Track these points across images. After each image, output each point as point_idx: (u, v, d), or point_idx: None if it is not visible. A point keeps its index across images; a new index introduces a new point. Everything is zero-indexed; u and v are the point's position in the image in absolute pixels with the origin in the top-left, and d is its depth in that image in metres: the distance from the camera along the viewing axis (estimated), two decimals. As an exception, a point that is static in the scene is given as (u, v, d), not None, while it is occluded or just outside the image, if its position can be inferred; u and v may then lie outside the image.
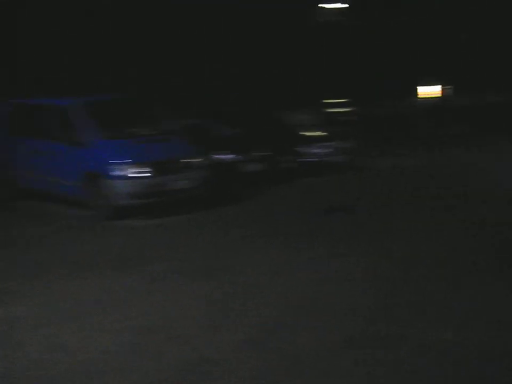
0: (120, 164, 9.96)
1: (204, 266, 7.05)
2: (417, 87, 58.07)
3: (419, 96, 56.02)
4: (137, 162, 10.02)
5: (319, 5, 33.98)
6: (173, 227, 9.36)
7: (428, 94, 53.83)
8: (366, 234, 8.45)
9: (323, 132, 16.57)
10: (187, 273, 6.79)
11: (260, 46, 32.24)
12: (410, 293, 5.98)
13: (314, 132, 16.13)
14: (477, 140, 23.65)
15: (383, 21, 33.76)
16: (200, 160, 10.90)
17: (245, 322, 5.25)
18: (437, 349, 4.61)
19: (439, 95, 51.83)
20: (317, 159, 14.13)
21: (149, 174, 9.92)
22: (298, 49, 37.68)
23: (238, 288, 6.25)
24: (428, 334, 4.92)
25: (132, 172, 9.89)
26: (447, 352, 4.55)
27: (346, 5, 30.41)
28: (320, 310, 5.58)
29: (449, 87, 51.96)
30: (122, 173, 9.85)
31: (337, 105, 33.89)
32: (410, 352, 4.59)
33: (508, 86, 60.57)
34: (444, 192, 11.48)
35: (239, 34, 29.93)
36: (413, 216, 9.63)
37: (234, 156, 13.05)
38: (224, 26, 29.79)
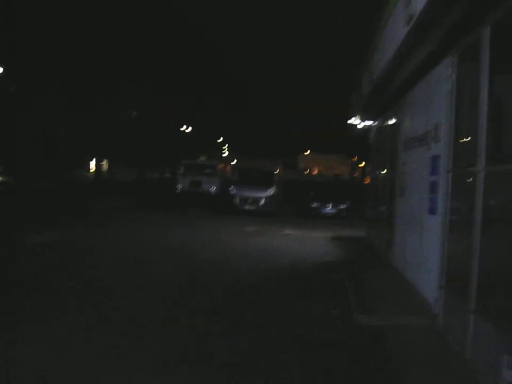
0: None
1: None
2: (90, 162, 58.27)
3: (91, 170, 56.13)
4: None
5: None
6: None
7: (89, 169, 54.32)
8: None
9: None
10: None
11: None
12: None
13: None
14: (133, 214, 24.89)
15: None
16: None
17: None
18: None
19: (94, 169, 53.04)
20: None
21: None
22: None
23: None
24: None
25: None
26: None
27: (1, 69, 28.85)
28: None
29: (104, 163, 53.69)
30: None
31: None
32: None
33: (162, 163, 64.50)
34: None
35: None
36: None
37: None
38: None
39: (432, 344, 7.15)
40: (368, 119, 17.67)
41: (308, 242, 17.79)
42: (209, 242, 16.81)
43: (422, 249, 9.34)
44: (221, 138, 79.90)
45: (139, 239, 16.67)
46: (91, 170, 56.58)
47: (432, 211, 8.76)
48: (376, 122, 17.53)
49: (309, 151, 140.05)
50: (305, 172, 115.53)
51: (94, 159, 52.53)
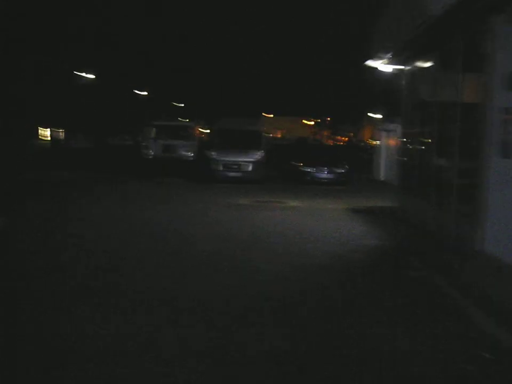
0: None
1: None
2: (39, 128, 53.43)
3: (40, 137, 51.27)
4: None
5: None
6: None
7: (44, 136, 49.60)
8: None
9: None
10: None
11: None
12: None
13: None
14: (96, 186, 20.55)
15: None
16: None
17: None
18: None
19: (49, 138, 48.45)
20: None
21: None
22: None
23: None
24: None
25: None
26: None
27: None
28: None
29: (60, 130, 49.06)
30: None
31: None
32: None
33: (128, 130, 60.13)
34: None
35: None
36: None
37: None
38: None
39: None
40: (402, 61, 13.94)
41: (328, 218, 14.15)
42: (201, 223, 12.93)
43: None
44: (182, 104, 75.26)
45: (115, 220, 12.76)
46: (46, 138, 51.81)
47: None
48: (408, 66, 13.90)
49: (272, 115, 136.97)
50: (270, 135, 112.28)
51: (49, 127, 48.06)
